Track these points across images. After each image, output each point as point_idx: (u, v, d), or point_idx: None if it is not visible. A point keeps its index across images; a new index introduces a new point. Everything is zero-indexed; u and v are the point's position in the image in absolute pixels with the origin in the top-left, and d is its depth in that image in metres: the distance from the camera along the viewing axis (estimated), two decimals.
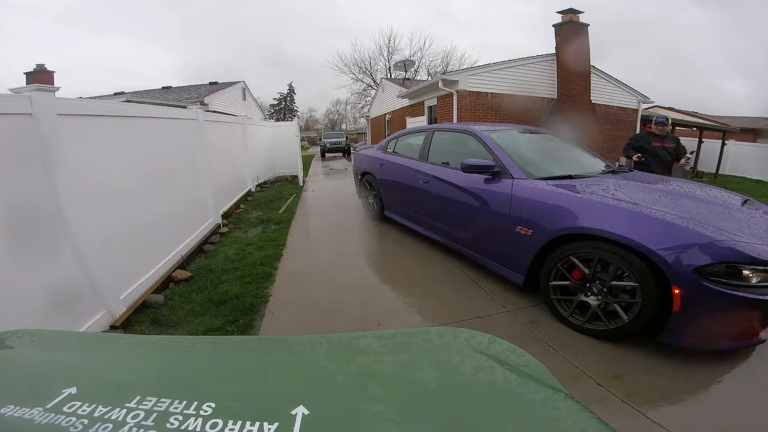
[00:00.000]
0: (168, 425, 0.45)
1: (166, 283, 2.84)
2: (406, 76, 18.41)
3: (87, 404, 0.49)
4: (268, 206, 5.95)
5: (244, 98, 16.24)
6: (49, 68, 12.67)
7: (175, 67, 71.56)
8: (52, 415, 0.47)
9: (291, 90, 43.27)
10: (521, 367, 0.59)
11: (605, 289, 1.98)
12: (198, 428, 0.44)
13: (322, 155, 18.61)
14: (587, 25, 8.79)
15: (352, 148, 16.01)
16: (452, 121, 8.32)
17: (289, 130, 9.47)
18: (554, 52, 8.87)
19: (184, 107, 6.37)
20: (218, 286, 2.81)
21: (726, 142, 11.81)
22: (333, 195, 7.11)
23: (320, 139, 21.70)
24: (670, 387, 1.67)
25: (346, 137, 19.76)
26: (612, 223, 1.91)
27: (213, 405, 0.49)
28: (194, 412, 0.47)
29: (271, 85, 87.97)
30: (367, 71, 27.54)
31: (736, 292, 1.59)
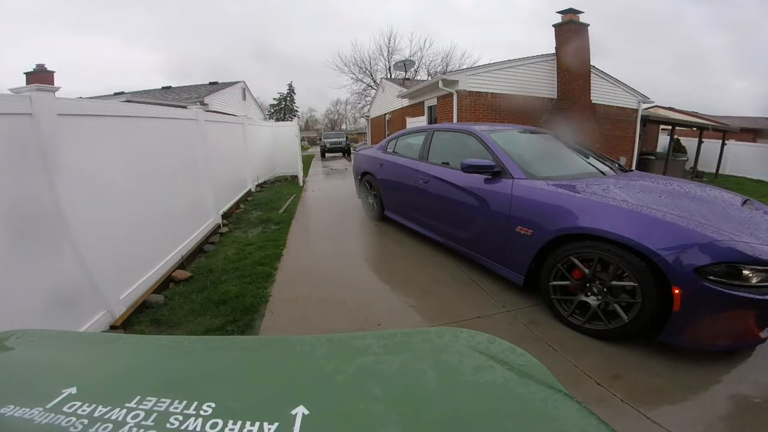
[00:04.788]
0: (168, 425, 0.45)
1: (166, 283, 2.84)
2: (406, 76, 18.41)
3: (87, 404, 0.49)
4: (268, 206, 5.95)
5: (244, 98, 16.23)
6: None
7: (173, 67, 71.40)
8: (52, 415, 0.47)
9: (291, 90, 43.31)
10: (521, 367, 0.59)
11: (605, 289, 1.98)
12: (198, 428, 0.44)
13: (322, 155, 18.61)
14: (587, 25, 8.78)
15: (352, 148, 16.01)
16: (452, 121, 8.31)
17: (289, 130, 9.47)
18: (554, 52, 8.87)
19: (185, 107, 6.36)
20: (218, 286, 2.81)
21: (726, 142, 11.82)
22: (333, 195, 7.11)
23: (320, 139, 21.71)
24: (670, 387, 1.67)
25: (346, 137, 19.77)
26: (612, 223, 1.91)
27: (213, 405, 0.49)
28: (194, 412, 0.47)
29: (270, 85, 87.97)
30: (367, 71, 27.55)
31: (735, 292, 1.59)
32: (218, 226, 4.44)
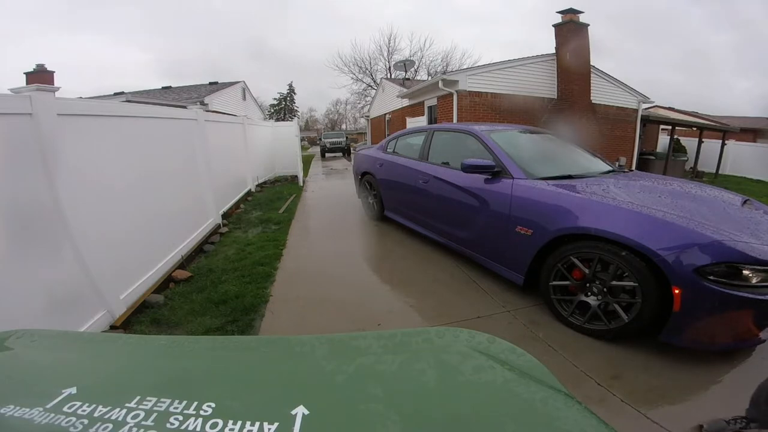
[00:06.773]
0: (168, 425, 0.45)
1: (166, 283, 2.84)
2: (406, 76, 18.38)
3: (87, 404, 0.49)
4: (268, 206, 5.95)
5: (244, 98, 16.23)
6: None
7: (171, 67, 71.22)
8: (52, 415, 0.47)
9: (291, 90, 43.33)
10: (521, 367, 0.59)
11: (605, 289, 1.98)
12: (198, 428, 0.44)
13: (322, 155, 18.62)
14: (587, 25, 8.79)
15: (352, 148, 16.02)
16: (452, 121, 8.31)
17: (289, 130, 9.47)
18: (554, 52, 8.87)
19: (185, 107, 6.35)
20: (218, 286, 2.81)
21: (726, 142, 11.82)
22: (333, 195, 7.11)
23: (320, 139, 21.71)
24: (670, 387, 1.67)
25: (346, 137, 19.77)
26: (612, 223, 1.91)
27: (213, 405, 0.48)
28: (194, 412, 0.47)
29: (270, 85, 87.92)
30: (367, 71, 27.59)
31: (736, 292, 1.59)
32: (218, 226, 4.44)
